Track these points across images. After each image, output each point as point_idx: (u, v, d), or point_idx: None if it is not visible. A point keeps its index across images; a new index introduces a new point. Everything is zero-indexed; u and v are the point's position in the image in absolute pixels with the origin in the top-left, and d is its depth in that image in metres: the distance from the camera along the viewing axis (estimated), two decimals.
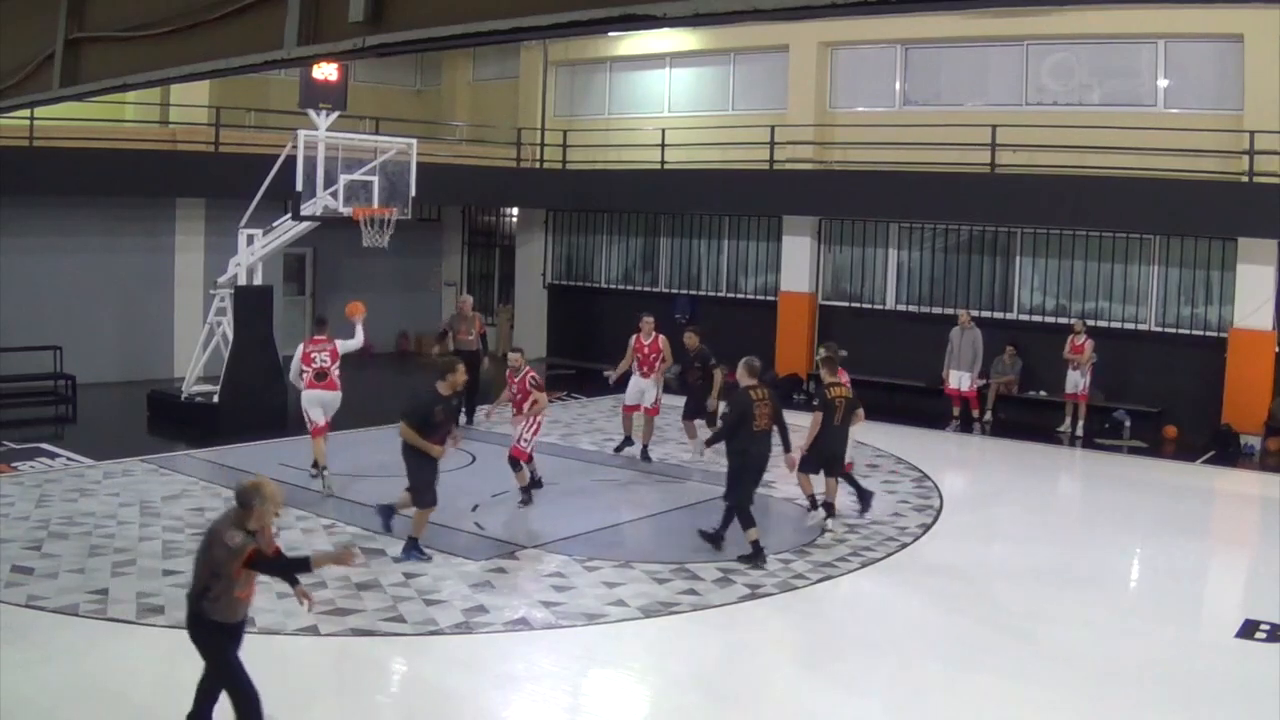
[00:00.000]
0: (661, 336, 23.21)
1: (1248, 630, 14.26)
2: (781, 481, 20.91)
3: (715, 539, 16.86)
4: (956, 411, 28.30)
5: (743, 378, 17.01)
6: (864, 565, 16.59)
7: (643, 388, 23.13)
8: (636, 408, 23.21)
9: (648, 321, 23.44)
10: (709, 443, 18.49)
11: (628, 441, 23.48)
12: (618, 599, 14.63)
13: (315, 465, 20.31)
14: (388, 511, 17.13)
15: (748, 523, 16.43)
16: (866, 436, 24.03)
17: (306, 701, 11.54)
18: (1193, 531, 20.00)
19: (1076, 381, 26.84)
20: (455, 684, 12.33)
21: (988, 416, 28.22)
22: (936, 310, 30.38)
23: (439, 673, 12.67)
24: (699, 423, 22.85)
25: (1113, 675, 12.78)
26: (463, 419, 23.55)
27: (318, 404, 20.90)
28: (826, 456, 18.57)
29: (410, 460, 16.17)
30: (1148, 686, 12.50)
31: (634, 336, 23.32)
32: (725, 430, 17.07)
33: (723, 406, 20.22)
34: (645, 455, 22.96)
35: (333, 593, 14.27)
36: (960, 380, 27.94)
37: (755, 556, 16.20)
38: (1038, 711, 11.89)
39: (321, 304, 35.42)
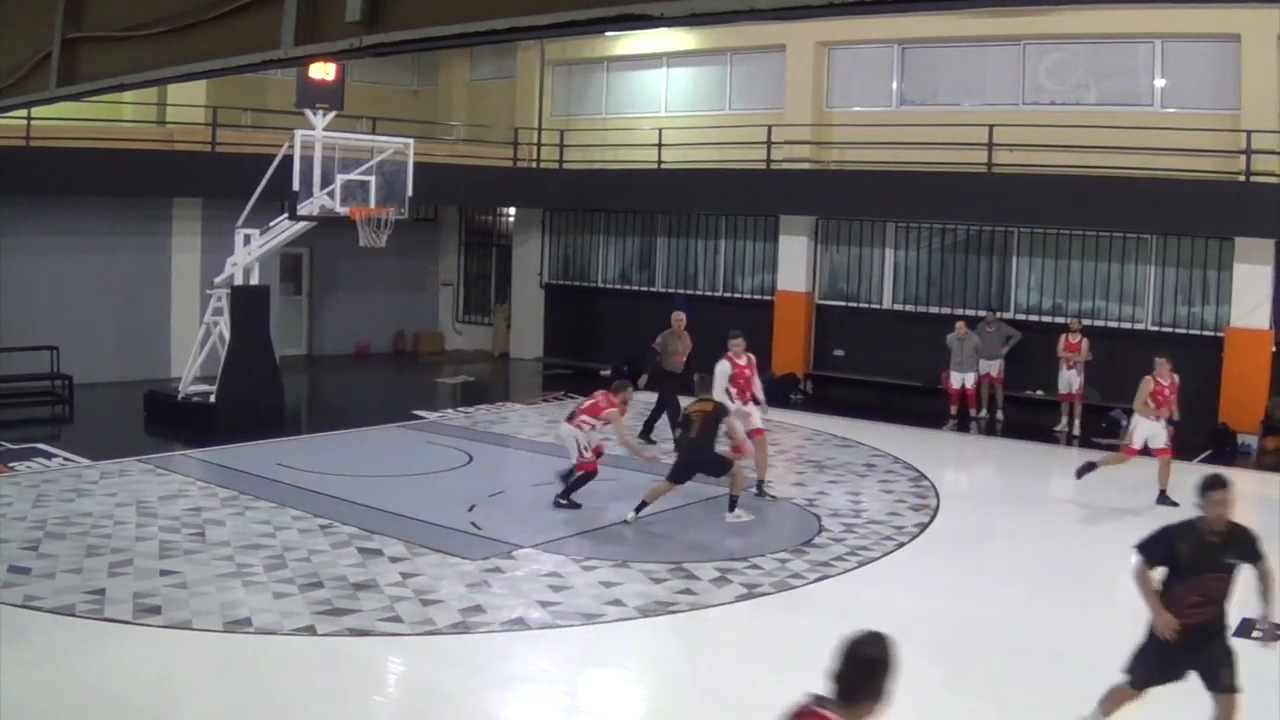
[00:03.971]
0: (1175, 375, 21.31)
1: (1244, 629, 14.25)
2: (778, 481, 20.98)
3: None
4: (954, 410, 28.35)
5: None
6: (861, 565, 16.59)
7: (1155, 430, 21.03)
8: (1140, 452, 20.99)
9: (1163, 364, 21.22)
10: None
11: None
12: (615, 599, 14.63)
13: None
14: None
15: None
16: (863, 436, 24.06)
17: (303, 702, 11.54)
18: None
19: (1072, 381, 26.90)
20: (452, 684, 12.33)
21: (983, 413, 28.31)
22: (934, 310, 30.42)
23: (436, 673, 12.66)
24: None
25: (1110, 674, 12.77)
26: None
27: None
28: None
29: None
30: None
31: (1149, 377, 21.11)
32: None
33: None
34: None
35: (329, 593, 14.27)
36: (964, 380, 28.03)
37: None
38: (1035, 711, 11.90)
39: (319, 303, 35.48)
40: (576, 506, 19.19)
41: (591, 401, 19.78)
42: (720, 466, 18.61)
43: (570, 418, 19.77)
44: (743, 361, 20.54)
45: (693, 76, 35.75)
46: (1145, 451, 20.90)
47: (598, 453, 19.77)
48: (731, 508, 18.45)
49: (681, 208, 34.36)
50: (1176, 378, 21.19)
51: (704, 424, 18.55)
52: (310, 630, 13.11)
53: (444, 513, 18.22)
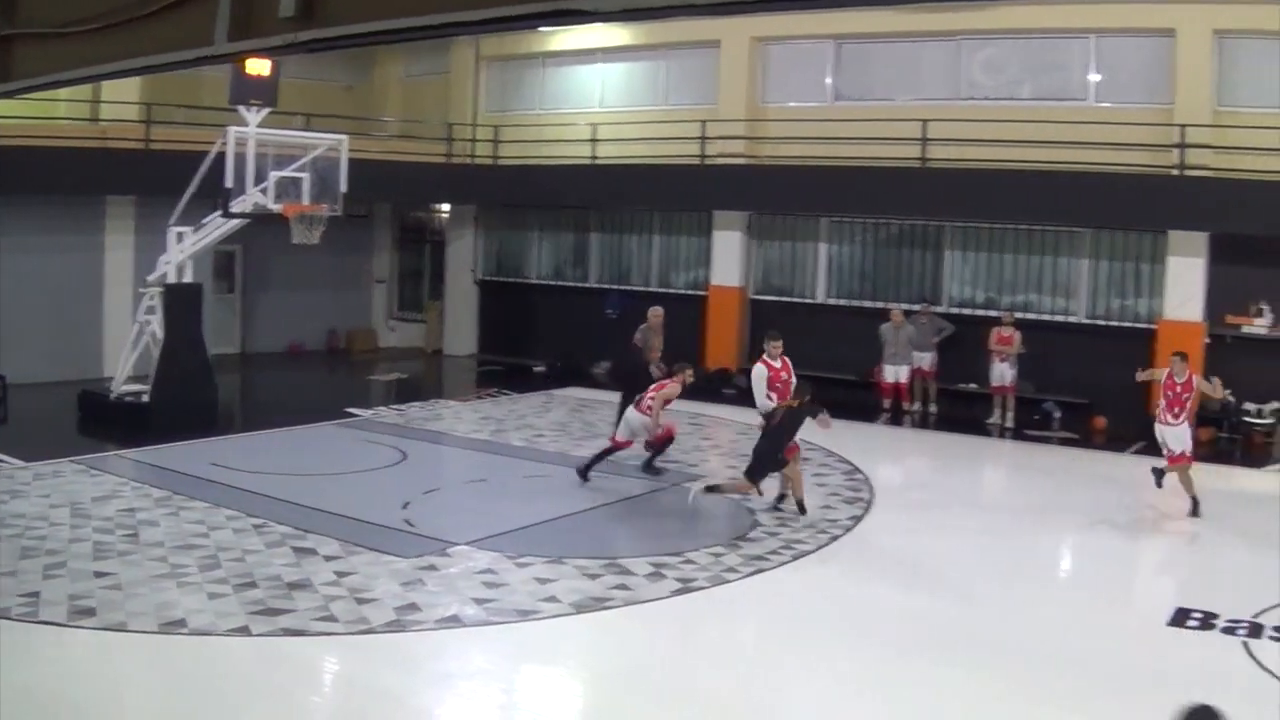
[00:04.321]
0: (1196, 375, 20.48)
1: (1179, 619, 14.42)
2: (713, 476, 21.00)
3: None
4: (887, 404, 28.48)
5: None
6: (795, 558, 16.64)
7: (1174, 434, 20.09)
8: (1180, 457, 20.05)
9: (1177, 361, 20.25)
10: None
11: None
12: (550, 595, 14.60)
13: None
14: None
15: None
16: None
17: (239, 703, 11.50)
18: (1125, 521, 20.09)
19: (1004, 374, 27.12)
20: (388, 683, 12.29)
21: (916, 406, 28.49)
22: (867, 304, 30.57)
23: (372, 672, 12.61)
24: None
25: (1045, 663, 12.87)
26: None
27: None
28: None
29: None
30: (1079, 674, 12.58)
31: (1165, 373, 20.33)
32: None
33: None
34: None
35: (264, 593, 14.20)
36: (897, 374, 28.20)
37: None
38: (970, 700, 11.97)
39: (252, 301, 35.37)
40: (661, 471, 20.89)
41: (658, 384, 20.68)
42: (760, 467, 18.58)
43: (637, 404, 20.58)
44: (778, 364, 20.08)
45: (628, 72, 35.72)
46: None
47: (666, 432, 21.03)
48: (706, 490, 18.82)
49: (616, 203, 34.41)
50: (1195, 377, 20.23)
51: (785, 416, 18.61)
52: (245, 631, 13.03)
53: (378, 511, 18.15)
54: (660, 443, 20.98)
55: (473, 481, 20.95)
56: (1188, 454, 19.96)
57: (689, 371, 20.88)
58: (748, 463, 18.66)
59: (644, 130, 33.17)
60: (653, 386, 20.66)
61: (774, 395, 19.50)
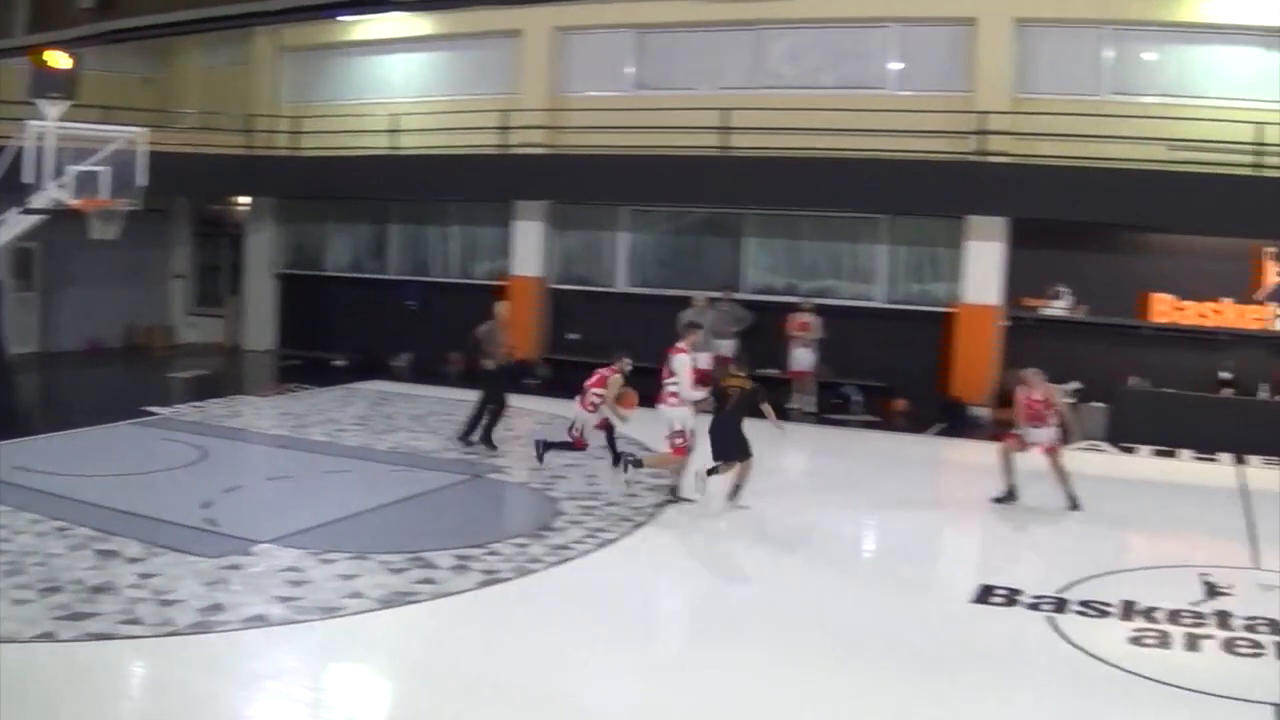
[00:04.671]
0: (1054, 389, 19.89)
1: (982, 596, 14.76)
2: (516, 466, 21.13)
3: None
4: None
5: None
6: (600, 546, 16.73)
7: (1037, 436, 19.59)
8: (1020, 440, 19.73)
9: (1032, 376, 19.69)
10: None
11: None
12: (355, 591, 14.50)
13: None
14: None
15: None
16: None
17: (47, 711, 11.36)
18: (927, 502, 20.50)
19: (804, 358, 27.52)
20: (197, 685, 12.08)
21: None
22: (668, 292, 30.77)
23: (180, 674, 12.38)
24: None
25: (850, 644, 13.05)
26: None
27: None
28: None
29: None
30: (884, 654, 12.76)
31: (1022, 391, 19.72)
32: None
33: None
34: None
35: (68, 597, 14.00)
36: (698, 361, 28.46)
37: None
38: (777, 682, 12.06)
39: (51, 298, 34.83)
40: (539, 459, 20.95)
41: (596, 377, 20.58)
42: (744, 450, 18.75)
43: (581, 399, 20.61)
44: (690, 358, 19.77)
45: (429, 62, 35.61)
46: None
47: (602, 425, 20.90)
48: (732, 497, 18.85)
49: (417, 194, 34.21)
50: (1052, 389, 19.84)
51: (739, 401, 18.82)
52: (51, 637, 12.73)
53: (179, 510, 17.82)
54: (579, 446, 20.84)
55: (274, 478, 20.80)
56: (1046, 445, 19.60)
57: (626, 360, 20.78)
58: (743, 451, 18.82)
59: (445, 120, 33.18)
60: (593, 380, 20.61)
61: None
